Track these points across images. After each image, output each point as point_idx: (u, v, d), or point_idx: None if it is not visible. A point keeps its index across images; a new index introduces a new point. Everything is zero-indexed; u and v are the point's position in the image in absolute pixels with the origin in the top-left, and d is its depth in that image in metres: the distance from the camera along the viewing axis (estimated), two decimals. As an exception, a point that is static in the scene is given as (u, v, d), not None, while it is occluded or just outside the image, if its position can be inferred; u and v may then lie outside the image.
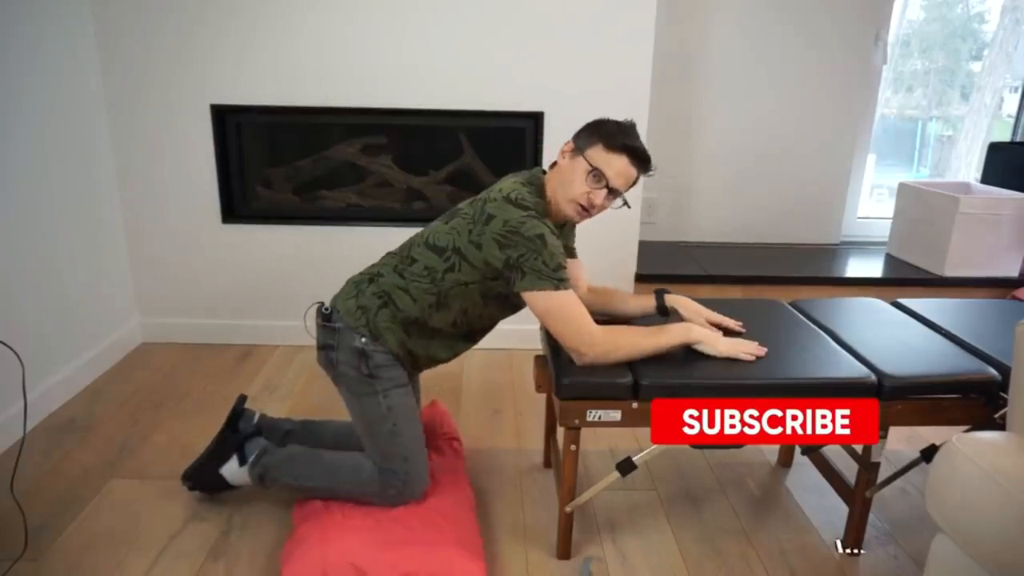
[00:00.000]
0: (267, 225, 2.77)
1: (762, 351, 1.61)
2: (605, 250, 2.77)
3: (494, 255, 1.50)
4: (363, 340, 1.60)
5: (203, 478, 1.78)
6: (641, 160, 1.57)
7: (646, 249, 2.93)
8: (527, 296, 1.51)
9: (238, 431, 1.88)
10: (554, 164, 1.64)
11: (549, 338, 1.71)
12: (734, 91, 3.26)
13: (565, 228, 1.73)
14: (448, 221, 1.60)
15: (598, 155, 1.54)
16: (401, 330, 1.62)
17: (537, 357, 1.79)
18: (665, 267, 3.04)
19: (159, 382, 2.52)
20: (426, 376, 1.76)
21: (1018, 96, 3.67)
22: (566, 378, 1.53)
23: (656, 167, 1.61)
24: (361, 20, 2.54)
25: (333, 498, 1.70)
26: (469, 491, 1.81)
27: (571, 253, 1.80)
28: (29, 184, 2.20)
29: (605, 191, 1.56)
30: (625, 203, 1.61)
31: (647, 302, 1.77)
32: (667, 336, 1.57)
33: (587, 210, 1.58)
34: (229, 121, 2.65)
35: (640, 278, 2.88)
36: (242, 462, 1.75)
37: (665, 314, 1.75)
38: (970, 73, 3.85)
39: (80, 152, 2.46)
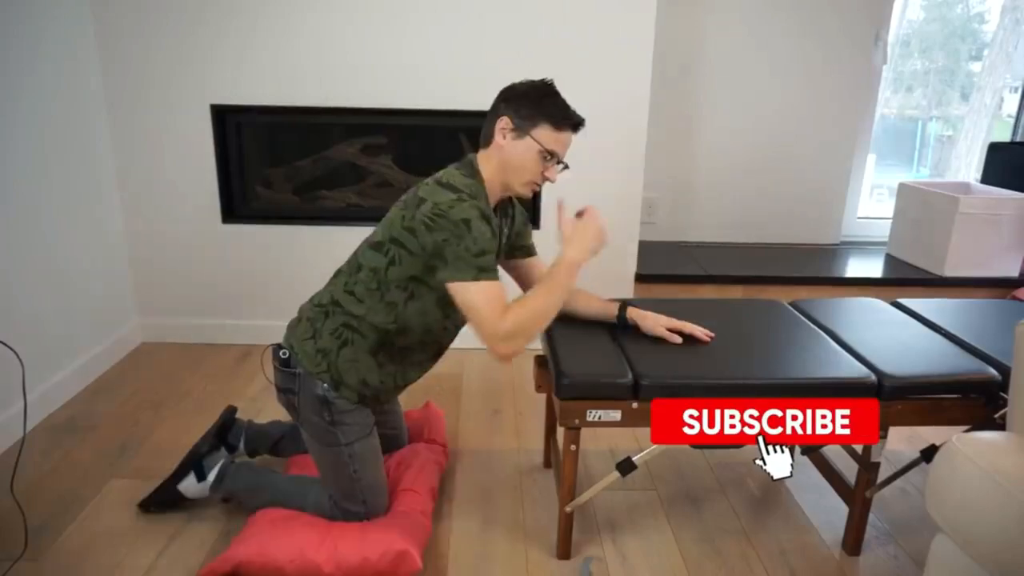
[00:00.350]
0: (267, 225, 2.77)
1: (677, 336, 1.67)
2: (605, 250, 2.77)
3: (425, 237, 1.45)
4: (325, 387, 1.56)
5: (161, 499, 1.78)
6: (580, 127, 1.57)
7: (646, 249, 2.93)
8: (449, 288, 1.46)
9: (227, 443, 1.89)
10: (487, 142, 1.57)
11: (548, 339, 1.71)
12: (734, 91, 3.26)
13: (517, 217, 1.72)
14: (385, 215, 1.58)
15: (547, 136, 1.52)
16: (371, 360, 1.57)
17: (537, 357, 1.80)
18: (665, 267, 3.04)
19: (159, 382, 2.52)
20: (426, 376, 1.76)
21: (1018, 96, 3.67)
22: (566, 378, 1.53)
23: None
24: (361, 20, 2.54)
25: None
26: (429, 501, 1.76)
27: (530, 251, 1.78)
28: (29, 184, 2.20)
29: (558, 165, 1.57)
30: (565, 166, 1.59)
31: (610, 308, 1.76)
32: (558, 283, 1.51)
33: (540, 186, 1.59)
34: (229, 121, 2.66)
35: (640, 278, 2.88)
36: (200, 477, 1.76)
37: (625, 326, 1.74)
38: (970, 73, 3.85)
39: (80, 152, 2.46)
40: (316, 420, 1.59)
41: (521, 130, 1.52)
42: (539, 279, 1.71)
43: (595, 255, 1.56)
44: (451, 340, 1.69)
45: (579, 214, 1.58)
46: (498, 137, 1.54)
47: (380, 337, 1.56)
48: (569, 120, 1.53)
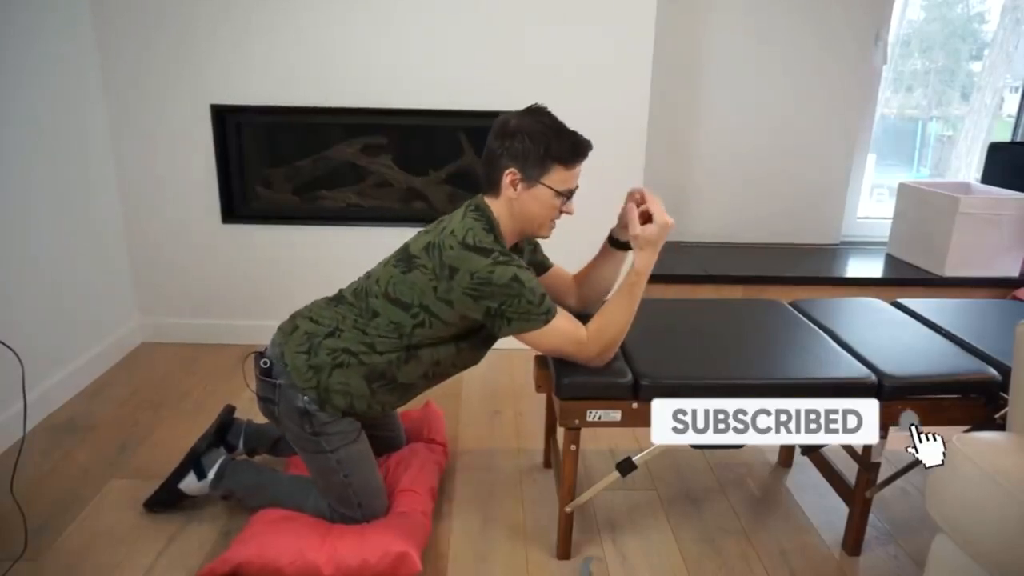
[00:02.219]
0: (267, 225, 2.77)
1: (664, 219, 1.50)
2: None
3: (470, 308, 1.45)
4: (305, 399, 1.53)
5: (164, 499, 1.77)
6: (590, 150, 1.50)
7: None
8: (520, 337, 1.49)
9: (226, 442, 1.89)
10: (494, 190, 1.51)
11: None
12: (734, 91, 3.26)
13: (526, 247, 1.70)
14: (406, 271, 1.50)
15: (560, 177, 1.47)
16: (365, 386, 1.55)
17: (537, 357, 1.79)
18: (665, 267, 3.01)
19: (159, 382, 2.52)
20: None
21: (1018, 96, 3.67)
22: (566, 378, 1.53)
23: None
24: (361, 20, 2.54)
25: None
26: (429, 501, 1.76)
27: (545, 265, 1.76)
28: (29, 184, 2.20)
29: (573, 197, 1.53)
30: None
31: (604, 250, 1.72)
32: (636, 292, 1.52)
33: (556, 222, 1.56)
34: (229, 121, 2.66)
35: (640, 278, 2.88)
36: (200, 476, 1.75)
37: (619, 244, 1.68)
38: (970, 73, 3.85)
39: (80, 152, 2.46)
40: (297, 430, 1.57)
41: (531, 179, 1.47)
42: (575, 279, 1.76)
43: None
44: (454, 373, 1.66)
45: (640, 207, 1.52)
46: (507, 191, 1.49)
47: (382, 369, 1.54)
48: (579, 152, 1.48)
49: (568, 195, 1.51)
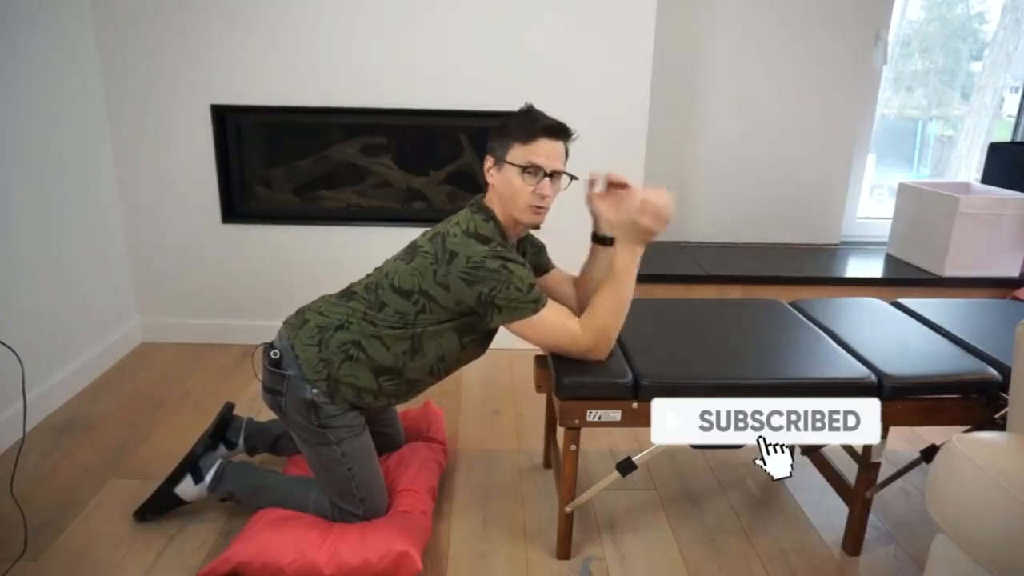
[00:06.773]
0: (267, 225, 2.77)
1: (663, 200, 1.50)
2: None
3: (464, 293, 1.48)
4: (314, 391, 1.55)
5: (158, 505, 1.75)
6: (559, 131, 1.53)
7: (646, 249, 2.92)
8: (510, 327, 1.50)
9: (226, 439, 1.89)
10: (485, 185, 1.60)
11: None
12: (734, 91, 3.26)
13: (529, 250, 1.73)
14: (410, 261, 1.55)
15: (519, 153, 1.51)
16: (373, 379, 1.57)
17: (537, 357, 1.80)
18: (665, 267, 3.04)
19: (159, 382, 2.52)
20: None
21: (1018, 96, 3.67)
22: (566, 378, 1.53)
23: (577, 132, 1.56)
24: (361, 20, 2.54)
25: None
26: (429, 500, 1.76)
27: (547, 268, 1.78)
28: (29, 184, 2.20)
29: (547, 179, 1.52)
30: (572, 178, 1.58)
31: (592, 252, 1.73)
32: (627, 277, 1.56)
33: (541, 206, 1.55)
34: (229, 121, 2.66)
35: (640, 278, 2.84)
36: (197, 479, 1.74)
37: (607, 240, 1.69)
38: (970, 73, 3.85)
39: (80, 152, 2.46)
40: (303, 422, 1.58)
41: (499, 160, 1.54)
42: (574, 282, 1.77)
43: (662, 230, 1.53)
44: (458, 368, 1.68)
45: (614, 184, 1.60)
46: (488, 178, 1.58)
47: (390, 365, 1.56)
48: (535, 128, 1.51)
49: (538, 172, 1.50)
